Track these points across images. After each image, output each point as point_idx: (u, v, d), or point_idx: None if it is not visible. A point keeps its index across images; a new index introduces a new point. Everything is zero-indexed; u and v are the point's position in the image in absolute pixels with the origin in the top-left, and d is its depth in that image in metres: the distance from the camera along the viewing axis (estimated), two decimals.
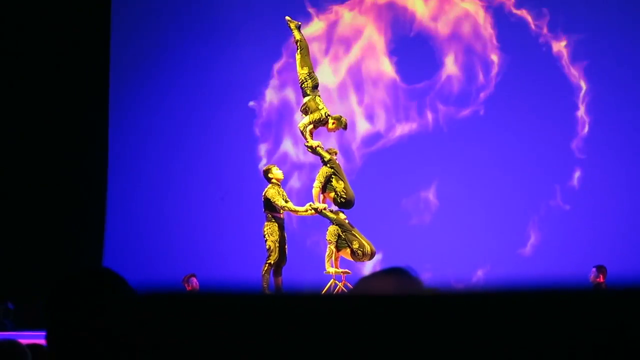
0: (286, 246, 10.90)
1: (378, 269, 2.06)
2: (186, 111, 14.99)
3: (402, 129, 14.66)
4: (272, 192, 10.76)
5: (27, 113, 14.49)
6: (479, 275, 13.65)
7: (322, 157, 10.98)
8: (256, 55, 14.78)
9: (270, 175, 10.93)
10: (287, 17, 11.45)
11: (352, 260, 10.83)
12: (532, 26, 14.43)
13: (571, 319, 1.41)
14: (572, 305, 1.43)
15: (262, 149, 14.80)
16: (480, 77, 14.53)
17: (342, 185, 10.86)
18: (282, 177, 11.06)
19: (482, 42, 14.55)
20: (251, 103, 14.81)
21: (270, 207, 10.78)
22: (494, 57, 14.50)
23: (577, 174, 14.16)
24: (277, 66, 14.86)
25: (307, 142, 10.98)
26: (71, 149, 14.49)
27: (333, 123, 10.94)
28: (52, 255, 13.77)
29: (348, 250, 10.70)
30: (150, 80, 15.06)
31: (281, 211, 10.79)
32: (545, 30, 14.39)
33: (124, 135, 14.96)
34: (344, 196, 10.83)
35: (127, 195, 14.83)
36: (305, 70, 11.17)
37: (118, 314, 1.58)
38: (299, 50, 11.28)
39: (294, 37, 11.35)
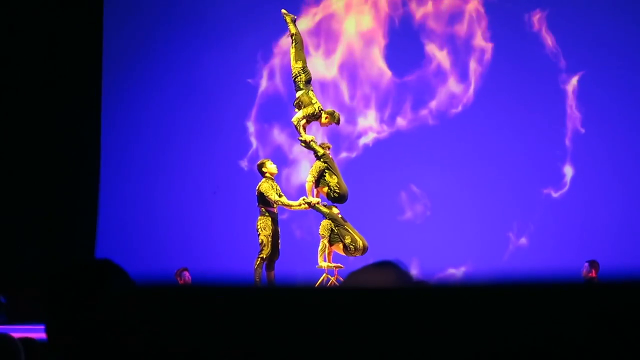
0: (279, 240, 10.92)
1: (370, 263, 2.06)
2: (179, 103, 14.96)
3: (393, 123, 14.65)
4: (266, 186, 10.77)
5: (19, 104, 14.45)
6: (469, 269, 13.66)
7: (315, 152, 10.99)
8: (249, 48, 14.76)
9: (264, 170, 10.94)
10: (283, 10, 11.44)
11: (344, 254, 10.85)
12: (525, 21, 14.43)
13: (563, 313, 1.41)
14: (564, 299, 1.43)
15: (255, 142, 14.78)
16: (472, 71, 14.52)
17: (336, 180, 10.88)
18: (276, 172, 11.08)
19: (474, 36, 14.54)
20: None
21: (263, 201, 10.80)
22: (487, 52, 14.50)
23: (569, 169, 14.17)
24: (269, 59, 14.84)
25: (301, 136, 11.00)
26: (63, 141, 14.46)
27: (326, 117, 10.95)
28: (44, 248, 13.75)
29: (340, 244, 10.72)
30: (143, 72, 15.03)
31: (274, 205, 10.81)
32: (537, 25, 14.39)
33: (116, 128, 14.94)
34: (337, 191, 10.85)
35: (119, 188, 14.80)
36: (299, 65, 11.18)
37: (119, 306, 1.58)
38: (293, 44, 11.27)
39: (289, 31, 11.34)
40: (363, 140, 14.64)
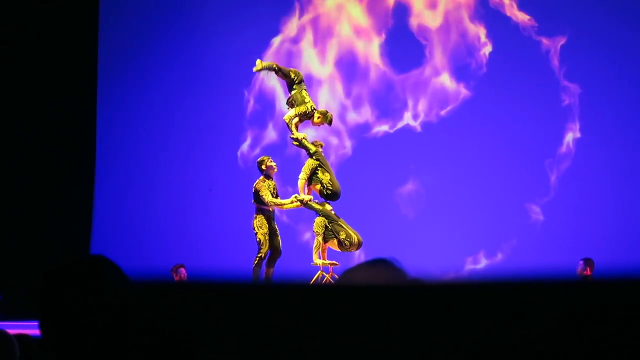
0: (279, 238, 10.93)
1: (365, 260, 2.07)
2: (175, 99, 14.94)
3: (390, 120, 14.65)
4: (262, 185, 10.78)
5: (14, 100, 14.42)
6: (465, 267, 13.67)
7: (307, 150, 11.00)
8: (244, 46, 14.74)
9: (263, 167, 10.93)
10: (258, 60, 11.35)
11: (339, 250, 10.86)
12: (523, 21, 14.43)
13: (558, 311, 1.41)
14: (558, 297, 1.43)
15: (250, 139, 14.77)
16: (469, 69, 14.52)
17: (328, 177, 10.89)
18: (275, 170, 11.05)
19: (471, 33, 14.55)
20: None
21: (259, 199, 10.80)
22: (484, 49, 14.50)
23: (565, 166, 14.19)
24: (267, 57, 14.82)
25: (293, 134, 11.01)
26: (58, 136, 14.43)
27: (318, 117, 10.98)
28: (39, 244, 13.72)
29: (335, 241, 10.72)
30: (139, 69, 15.01)
31: (268, 205, 10.78)
32: (535, 24, 14.40)
33: (112, 123, 14.91)
34: (330, 188, 10.86)
35: (115, 183, 14.78)
36: (293, 69, 11.27)
37: (112, 302, 1.58)
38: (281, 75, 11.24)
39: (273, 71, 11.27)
40: (358, 138, 14.64)
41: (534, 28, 14.37)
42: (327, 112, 11.12)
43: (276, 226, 10.99)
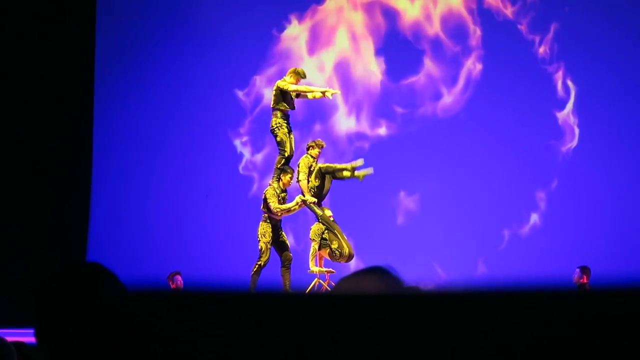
0: (287, 243, 10.91)
1: (360, 268, 2.07)
2: (172, 106, 14.94)
3: (385, 127, 14.66)
4: (271, 193, 10.75)
5: (10, 104, 14.40)
6: (459, 275, 13.66)
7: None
8: (242, 51, 14.76)
9: (283, 179, 10.85)
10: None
11: (328, 259, 10.86)
12: (518, 25, 14.46)
13: (554, 320, 1.41)
14: (555, 306, 1.43)
15: (249, 145, 14.77)
16: (465, 76, 14.54)
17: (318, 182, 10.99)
18: (289, 185, 10.96)
19: (467, 40, 14.57)
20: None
21: (267, 206, 10.77)
22: (479, 56, 14.52)
23: (561, 173, 14.20)
24: (263, 63, 14.84)
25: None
26: (55, 143, 14.41)
27: (291, 77, 10.90)
28: (35, 251, 13.69)
29: (327, 249, 10.73)
30: (136, 75, 15.01)
31: (276, 212, 10.73)
32: (530, 29, 14.42)
33: (109, 130, 14.90)
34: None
35: (111, 190, 14.76)
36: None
37: (109, 310, 1.58)
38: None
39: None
40: (355, 144, 14.64)
41: (530, 25, 14.39)
42: (295, 68, 11.07)
43: (283, 233, 10.96)
